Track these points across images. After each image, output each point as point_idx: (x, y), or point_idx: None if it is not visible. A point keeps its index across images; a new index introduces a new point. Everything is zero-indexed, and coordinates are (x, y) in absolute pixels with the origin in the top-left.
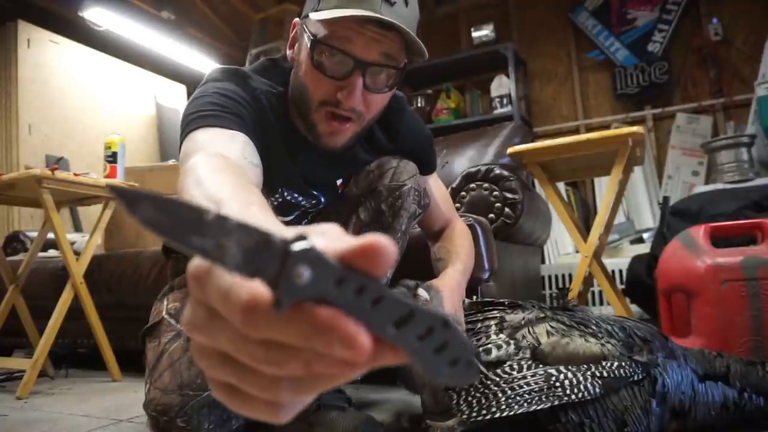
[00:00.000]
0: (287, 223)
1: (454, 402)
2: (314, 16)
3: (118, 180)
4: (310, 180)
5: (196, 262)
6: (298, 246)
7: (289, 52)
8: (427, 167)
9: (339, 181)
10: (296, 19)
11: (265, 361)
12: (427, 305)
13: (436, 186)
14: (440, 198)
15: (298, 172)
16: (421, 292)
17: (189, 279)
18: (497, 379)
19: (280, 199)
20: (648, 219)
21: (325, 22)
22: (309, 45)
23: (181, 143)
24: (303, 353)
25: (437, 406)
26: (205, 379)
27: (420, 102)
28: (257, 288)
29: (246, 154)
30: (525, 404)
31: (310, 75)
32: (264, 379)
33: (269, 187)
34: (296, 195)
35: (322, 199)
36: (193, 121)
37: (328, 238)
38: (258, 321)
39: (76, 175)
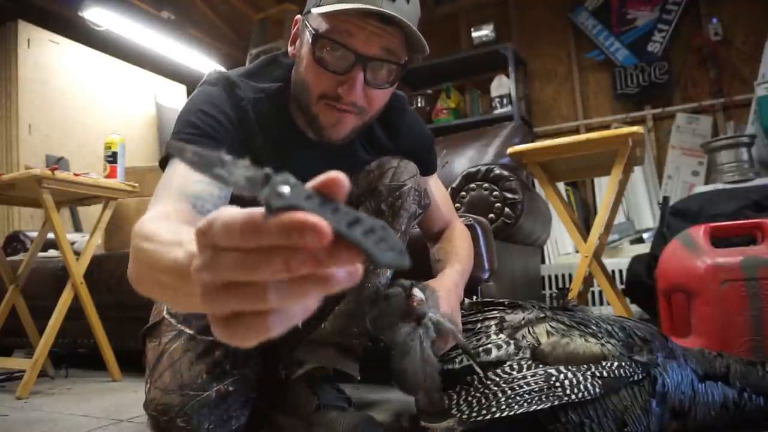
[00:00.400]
0: None
1: (454, 402)
2: (316, 11)
3: (118, 180)
4: (307, 180)
5: (201, 221)
6: (280, 176)
7: (290, 49)
8: (427, 168)
9: None
10: (298, 16)
11: (257, 263)
12: (422, 305)
13: (436, 187)
14: (440, 199)
15: (297, 166)
16: (416, 291)
17: (196, 235)
18: (497, 379)
19: None
20: (648, 219)
21: (327, 17)
22: (310, 40)
23: (163, 160)
24: (284, 251)
25: (431, 407)
26: (213, 324)
27: (420, 102)
28: (249, 210)
29: (200, 201)
30: (525, 404)
31: (311, 70)
32: (256, 289)
33: None
34: None
35: None
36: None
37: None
38: (252, 229)
39: (76, 175)
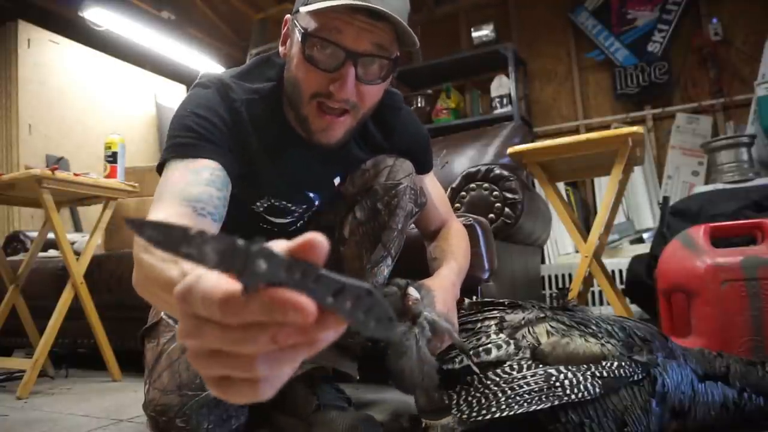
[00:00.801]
0: (282, 226)
1: (454, 402)
2: (304, 9)
3: (118, 180)
4: (304, 180)
5: (179, 286)
6: (255, 246)
7: (281, 49)
8: (423, 167)
9: (337, 180)
10: (287, 15)
11: (242, 340)
12: (417, 304)
13: (432, 186)
14: (437, 198)
15: (286, 178)
16: (412, 291)
17: (176, 299)
18: (497, 379)
19: (266, 204)
20: (648, 219)
21: (315, 15)
22: (300, 38)
23: (160, 165)
24: (269, 328)
25: (430, 405)
26: (204, 380)
27: (420, 102)
28: (227, 284)
29: (200, 204)
30: (525, 404)
31: (301, 69)
32: (244, 360)
33: (255, 194)
34: (284, 202)
35: (316, 202)
36: (170, 148)
37: (278, 245)
38: (233, 308)
39: (76, 175)
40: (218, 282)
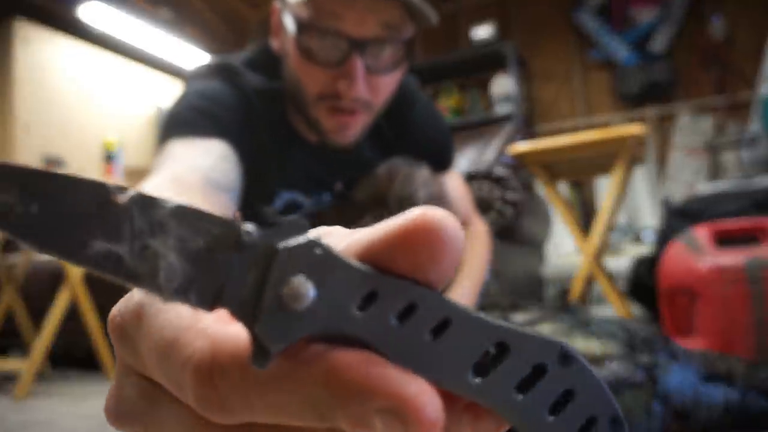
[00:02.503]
0: None
1: None
2: None
3: (116, 181)
4: (307, 186)
5: (119, 304)
6: (288, 242)
7: (274, 43)
8: (443, 165)
9: (338, 185)
10: (276, 2)
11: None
12: None
13: (454, 183)
14: (457, 194)
15: (296, 171)
16: None
17: (110, 332)
18: None
19: (281, 204)
20: (649, 219)
21: (307, 1)
22: (294, 31)
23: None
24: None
25: None
26: None
27: None
28: (220, 331)
29: (215, 174)
30: None
31: (300, 66)
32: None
33: (267, 191)
34: (297, 194)
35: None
36: (170, 128)
37: (336, 235)
38: (227, 393)
39: None
40: (236, 336)
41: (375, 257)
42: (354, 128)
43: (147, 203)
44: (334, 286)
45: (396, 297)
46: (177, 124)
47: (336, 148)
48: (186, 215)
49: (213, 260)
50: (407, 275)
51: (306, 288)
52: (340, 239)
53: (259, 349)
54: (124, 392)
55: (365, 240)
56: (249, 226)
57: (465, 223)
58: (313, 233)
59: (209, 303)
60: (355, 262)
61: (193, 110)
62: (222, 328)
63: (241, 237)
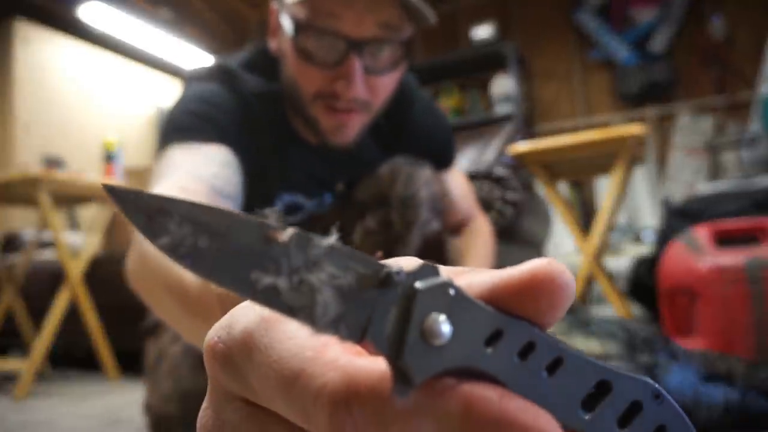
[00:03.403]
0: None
1: None
2: None
3: (116, 180)
4: (309, 187)
5: (218, 331)
6: (426, 283)
7: (272, 44)
8: (444, 163)
9: (339, 186)
10: (273, 3)
11: None
12: None
13: (456, 180)
14: (460, 193)
15: (297, 173)
16: None
17: (208, 359)
18: None
19: (281, 206)
20: (649, 219)
21: (304, 1)
22: (291, 31)
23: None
24: None
25: None
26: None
27: None
28: (352, 363)
29: (218, 182)
30: None
31: (297, 67)
32: None
33: (268, 193)
34: (298, 196)
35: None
36: (169, 133)
37: (455, 272)
38: (364, 422)
39: (73, 175)
40: (372, 368)
41: (499, 299)
42: (352, 128)
43: (304, 242)
44: (466, 324)
45: (518, 336)
46: (176, 129)
47: (336, 148)
48: (338, 254)
49: (361, 297)
50: (525, 317)
51: (444, 325)
52: (464, 280)
53: (402, 381)
54: (225, 416)
55: (490, 283)
56: (393, 266)
57: (468, 220)
58: (445, 273)
59: (358, 336)
60: (482, 303)
61: (192, 114)
62: (353, 360)
63: (386, 276)
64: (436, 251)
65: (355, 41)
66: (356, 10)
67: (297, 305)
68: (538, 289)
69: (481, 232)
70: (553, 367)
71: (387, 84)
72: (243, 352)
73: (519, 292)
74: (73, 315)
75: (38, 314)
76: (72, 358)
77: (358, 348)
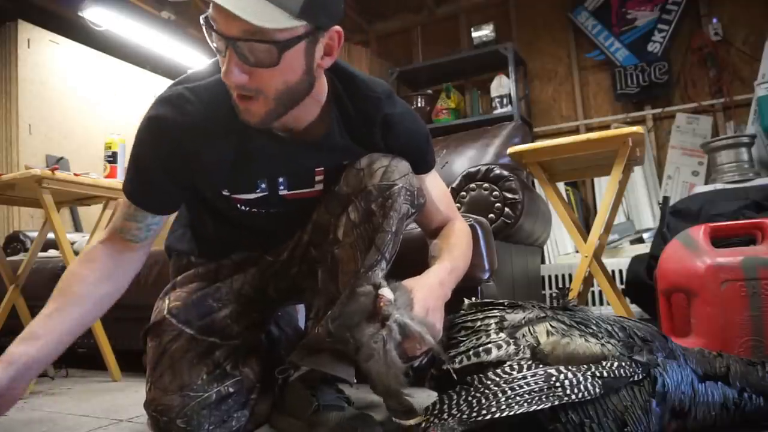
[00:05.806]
0: (266, 217)
1: (454, 402)
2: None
3: (119, 180)
4: (287, 171)
5: None
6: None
7: None
8: (422, 166)
9: (319, 169)
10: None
11: None
12: (388, 306)
13: (433, 184)
14: (438, 196)
15: (271, 160)
16: (385, 291)
17: None
18: (497, 379)
19: (261, 190)
20: (648, 219)
21: (209, 5)
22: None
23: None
24: None
25: (401, 407)
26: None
27: (420, 102)
28: None
29: (130, 231)
30: (525, 404)
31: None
32: None
33: (248, 180)
34: (275, 179)
35: (282, 187)
36: (124, 184)
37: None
38: None
39: (76, 175)
40: None
41: None
42: (257, 113)
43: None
44: None
45: None
46: (124, 187)
47: (305, 140)
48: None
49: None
50: None
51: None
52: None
53: None
54: None
55: None
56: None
57: (446, 220)
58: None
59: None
60: None
61: (133, 172)
62: None
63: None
64: (417, 255)
65: (228, 38)
66: (224, 15)
67: None
68: None
69: (461, 231)
70: None
71: (271, 76)
72: None
73: None
74: None
75: None
76: (74, 356)
77: None
